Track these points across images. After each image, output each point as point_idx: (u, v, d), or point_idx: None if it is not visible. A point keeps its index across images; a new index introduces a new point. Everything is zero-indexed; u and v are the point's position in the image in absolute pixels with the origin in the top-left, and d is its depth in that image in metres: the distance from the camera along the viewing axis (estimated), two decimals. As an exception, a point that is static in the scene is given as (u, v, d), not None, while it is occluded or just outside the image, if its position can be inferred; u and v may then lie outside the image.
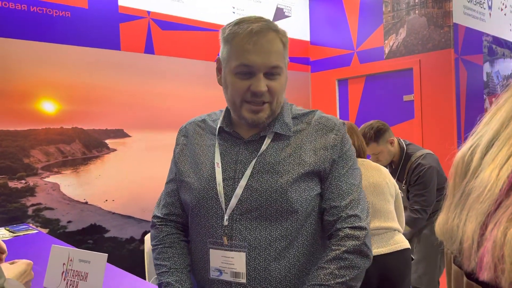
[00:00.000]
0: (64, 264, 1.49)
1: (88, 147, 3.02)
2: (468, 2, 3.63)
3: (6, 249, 1.08)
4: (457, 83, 3.46)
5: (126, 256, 3.12)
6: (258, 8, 4.02)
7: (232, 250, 1.04)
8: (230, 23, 1.08)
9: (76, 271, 1.45)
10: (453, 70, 3.43)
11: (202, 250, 1.11)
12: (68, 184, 2.91)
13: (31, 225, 2.64)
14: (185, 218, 1.20)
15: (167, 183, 1.26)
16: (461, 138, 3.42)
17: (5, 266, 1.12)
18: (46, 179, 2.82)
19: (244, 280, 1.03)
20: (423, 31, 3.57)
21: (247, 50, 1.01)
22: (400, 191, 2.71)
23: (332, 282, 0.98)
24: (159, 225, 1.22)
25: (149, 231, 3.23)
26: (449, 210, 0.68)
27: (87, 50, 2.98)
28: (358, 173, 1.11)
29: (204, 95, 3.59)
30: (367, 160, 2.20)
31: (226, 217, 1.05)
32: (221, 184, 1.07)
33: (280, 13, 4.23)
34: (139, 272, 1.93)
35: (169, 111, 3.40)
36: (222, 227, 1.05)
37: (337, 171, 1.07)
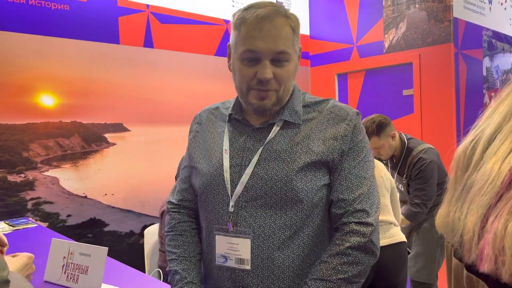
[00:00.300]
0: (64, 257, 1.50)
1: (87, 141, 3.02)
2: (468, -4, 3.62)
3: (7, 242, 1.09)
4: (457, 77, 3.46)
5: (126, 250, 3.13)
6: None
7: (237, 237, 1.04)
8: (240, 9, 1.07)
9: (77, 264, 1.46)
10: (453, 64, 3.42)
11: (209, 237, 1.11)
12: (68, 178, 2.91)
13: (30, 219, 2.64)
14: (197, 204, 1.20)
15: (182, 169, 1.27)
16: (460, 132, 3.43)
17: (7, 259, 1.12)
18: (46, 173, 2.82)
19: (248, 267, 1.03)
20: (423, 26, 3.57)
21: (253, 36, 1.00)
22: (400, 185, 2.72)
23: (334, 277, 0.97)
24: (172, 211, 1.23)
25: (148, 225, 3.24)
26: (450, 203, 0.68)
27: (86, 43, 2.97)
28: (371, 166, 1.07)
29: (203, 89, 3.59)
30: None
31: (231, 203, 1.05)
32: (228, 170, 1.07)
33: (279, 7, 4.21)
34: (139, 266, 1.94)
35: (168, 105, 3.40)
36: (227, 213, 1.05)
37: (347, 162, 1.04)
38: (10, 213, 2.64)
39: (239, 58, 1.04)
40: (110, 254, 1.45)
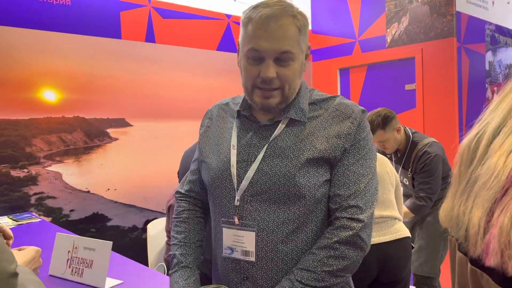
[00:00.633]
0: (69, 251, 1.51)
1: (90, 136, 3.02)
2: (471, -10, 3.60)
3: (12, 235, 1.09)
4: (459, 72, 3.45)
5: (129, 245, 3.14)
6: (259, -4, 3.99)
7: (242, 229, 1.08)
8: (250, 6, 1.08)
9: (81, 258, 1.47)
10: (455, 59, 3.41)
11: (216, 229, 1.15)
12: (70, 173, 2.92)
13: (34, 213, 2.65)
14: (204, 196, 1.26)
15: (192, 161, 1.32)
16: (463, 127, 3.42)
17: (14, 252, 1.13)
18: (48, 168, 2.83)
19: (253, 259, 1.07)
20: (426, 20, 3.55)
21: (258, 35, 1.02)
22: (405, 179, 2.73)
23: (319, 269, 1.00)
24: (179, 200, 1.30)
25: (151, 220, 3.25)
26: (455, 198, 0.68)
27: (88, 38, 2.97)
28: (371, 164, 1.08)
29: (205, 84, 3.58)
30: None
31: (237, 197, 1.08)
32: (235, 166, 1.10)
33: (281, 2, 4.19)
34: (142, 260, 1.95)
35: (170, 100, 3.40)
36: (233, 207, 1.09)
37: (347, 159, 1.06)
38: (13, 208, 2.65)
39: (245, 56, 1.06)
40: (113, 248, 1.46)
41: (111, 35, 3.08)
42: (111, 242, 1.44)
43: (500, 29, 4.06)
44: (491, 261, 0.54)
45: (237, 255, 1.09)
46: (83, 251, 1.47)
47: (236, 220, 1.08)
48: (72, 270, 1.48)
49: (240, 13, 1.14)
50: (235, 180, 1.09)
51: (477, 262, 0.59)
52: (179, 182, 1.65)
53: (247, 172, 1.08)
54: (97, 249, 1.45)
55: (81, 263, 1.46)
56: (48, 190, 2.81)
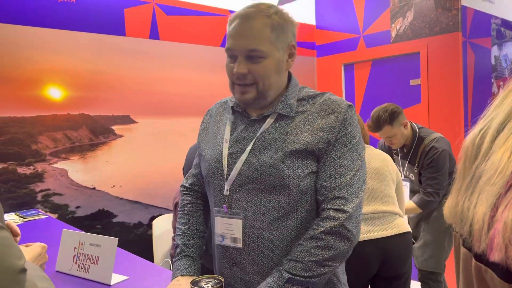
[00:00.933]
0: (75, 248, 1.52)
1: (95, 133, 3.04)
2: (477, -16, 3.57)
3: (19, 232, 1.11)
4: (465, 67, 3.42)
5: (134, 241, 3.16)
6: (263, -8, 3.98)
7: (231, 217, 1.15)
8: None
9: (88, 254, 1.48)
10: (461, 53, 3.39)
11: (213, 218, 1.23)
12: (76, 170, 2.93)
13: (40, 210, 2.68)
14: (205, 189, 1.32)
15: (195, 156, 1.40)
16: (468, 122, 3.40)
17: (21, 248, 1.14)
18: (54, 165, 2.85)
19: (240, 245, 1.14)
20: (431, 14, 3.53)
21: (231, 34, 1.12)
22: (411, 174, 2.73)
23: (306, 259, 1.04)
24: (183, 193, 1.38)
25: (156, 216, 3.27)
26: (459, 193, 0.68)
27: (92, 36, 2.97)
28: (358, 157, 1.12)
29: (209, 80, 3.58)
30: (370, 146, 2.22)
31: (226, 187, 1.16)
32: (226, 158, 1.17)
33: (285, -3, 4.19)
34: (147, 257, 1.96)
35: (175, 96, 3.40)
36: (223, 196, 1.17)
37: (333, 152, 1.10)
38: (20, 205, 2.68)
39: (226, 55, 1.16)
40: (118, 244, 1.47)
41: (115, 32, 3.08)
42: (117, 238, 1.45)
43: (506, 23, 4.02)
44: (495, 256, 0.54)
45: (227, 242, 1.16)
46: (89, 247, 1.48)
47: (225, 208, 1.15)
48: (78, 266, 1.49)
49: (243, 9, 1.18)
50: (225, 171, 1.17)
51: (481, 258, 0.59)
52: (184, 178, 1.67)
53: (236, 163, 1.15)
54: (103, 245, 1.46)
55: (87, 259, 1.47)
56: (54, 187, 2.83)
